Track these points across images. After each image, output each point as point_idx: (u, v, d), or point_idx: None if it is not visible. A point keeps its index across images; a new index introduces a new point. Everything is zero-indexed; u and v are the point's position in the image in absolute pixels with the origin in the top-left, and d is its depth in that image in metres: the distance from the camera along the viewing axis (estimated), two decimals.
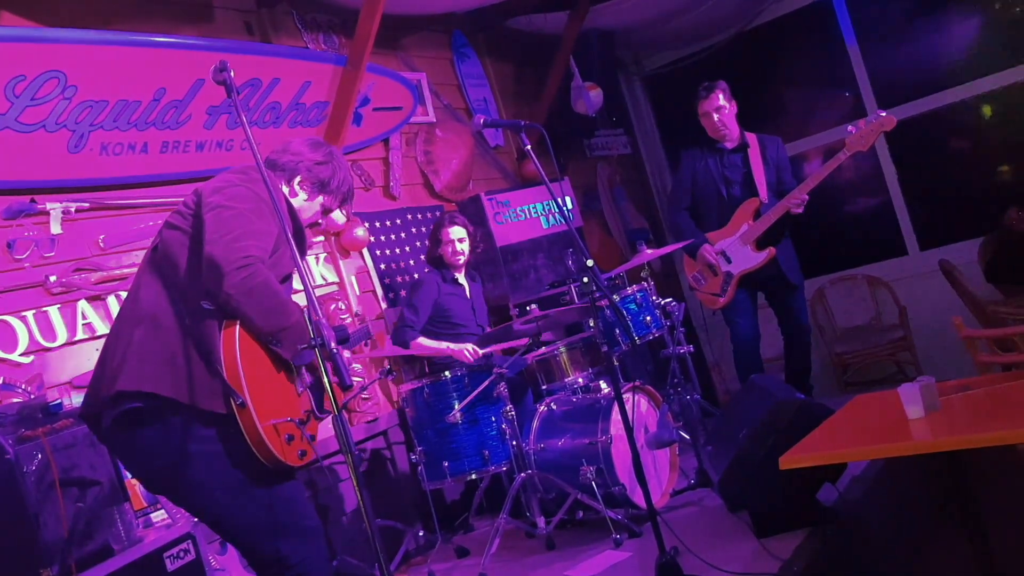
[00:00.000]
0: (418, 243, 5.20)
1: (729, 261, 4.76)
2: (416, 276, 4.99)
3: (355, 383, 3.77)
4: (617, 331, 4.31)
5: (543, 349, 4.32)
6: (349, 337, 2.26)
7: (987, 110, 6.14)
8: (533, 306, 4.15)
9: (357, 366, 4.66)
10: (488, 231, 5.24)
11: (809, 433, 2.77)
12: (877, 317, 6.34)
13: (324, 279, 4.72)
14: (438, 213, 5.01)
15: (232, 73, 2.26)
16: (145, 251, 2.50)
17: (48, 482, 2.73)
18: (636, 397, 4.06)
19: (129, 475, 2.96)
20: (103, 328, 3.65)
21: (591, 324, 3.36)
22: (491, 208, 5.28)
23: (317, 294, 4.44)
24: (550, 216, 5.62)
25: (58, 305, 3.60)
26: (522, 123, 3.30)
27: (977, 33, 6.04)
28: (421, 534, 4.39)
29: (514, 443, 3.99)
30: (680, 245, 4.77)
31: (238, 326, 2.25)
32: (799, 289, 4.88)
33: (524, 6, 5.83)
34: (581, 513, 3.97)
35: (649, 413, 4.14)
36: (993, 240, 5.39)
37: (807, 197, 4.52)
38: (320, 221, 2.79)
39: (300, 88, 4.48)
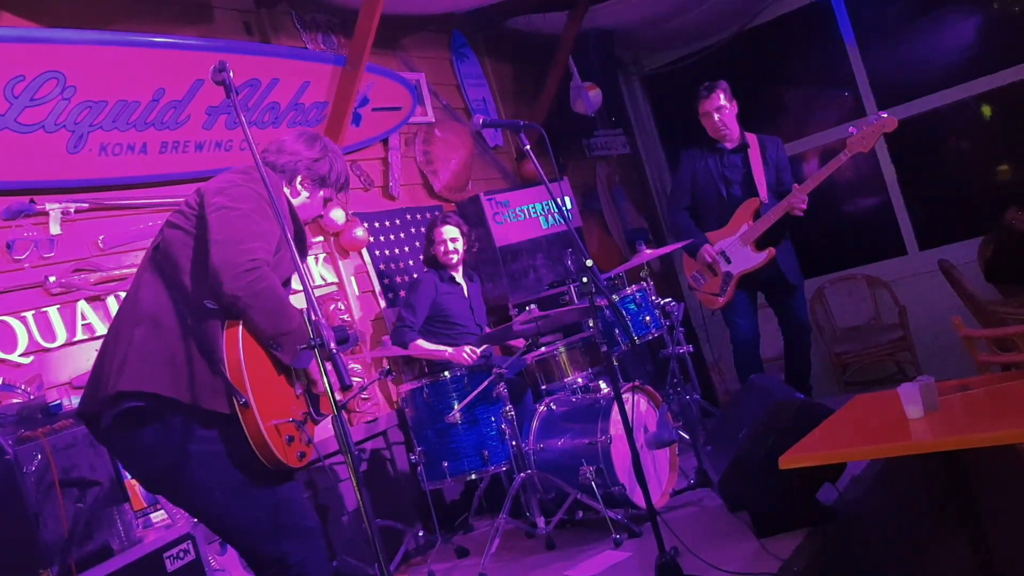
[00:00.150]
0: (417, 243, 5.20)
1: (729, 261, 4.76)
2: (415, 276, 5.00)
3: (354, 383, 3.77)
4: (616, 331, 4.31)
5: (543, 349, 4.32)
6: (349, 338, 2.26)
7: (986, 110, 6.14)
8: (532, 306, 4.15)
9: (356, 366, 4.66)
10: (487, 231, 5.24)
11: (809, 433, 2.77)
12: (877, 317, 6.34)
13: (323, 279, 4.72)
14: (437, 213, 5.01)
15: (231, 73, 2.26)
16: (145, 251, 2.50)
17: (48, 482, 2.73)
18: (636, 397, 4.06)
19: (128, 475, 2.95)
20: (102, 328, 3.65)
21: (590, 324, 3.36)
22: (490, 208, 5.28)
23: (316, 294, 4.44)
24: (549, 216, 5.62)
25: (57, 306, 3.60)
26: (521, 123, 3.30)
27: (976, 33, 6.04)
28: (421, 534, 4.39)
29: (514, 443, 3.99)
30: (680, 245, 4.77)
31: (241, 326, 2.25)
32: (799, 289, 4.88)
33: (523, 6, 5.83)
34: (581, 513, 3.97)
35: (649, 413, 4.14)
36: (992, 240, 5.39)
37: (807, 198, 4.52)
38: (323, 213, 2.80)
39: (299, 88, 4.48)
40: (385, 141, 5.24)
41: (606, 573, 3.42)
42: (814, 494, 3.28)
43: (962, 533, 2.84)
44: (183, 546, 2.91)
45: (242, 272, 2.19)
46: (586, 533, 3.94)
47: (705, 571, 3.08)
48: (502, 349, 4.79)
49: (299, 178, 2.64)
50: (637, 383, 4.10)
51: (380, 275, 5.02)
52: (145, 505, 3.32)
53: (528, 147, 3.20)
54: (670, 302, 4.46)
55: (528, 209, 5.52)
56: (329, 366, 2.10)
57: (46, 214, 3.63)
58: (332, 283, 4.76)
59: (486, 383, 4.04)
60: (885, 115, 4.42)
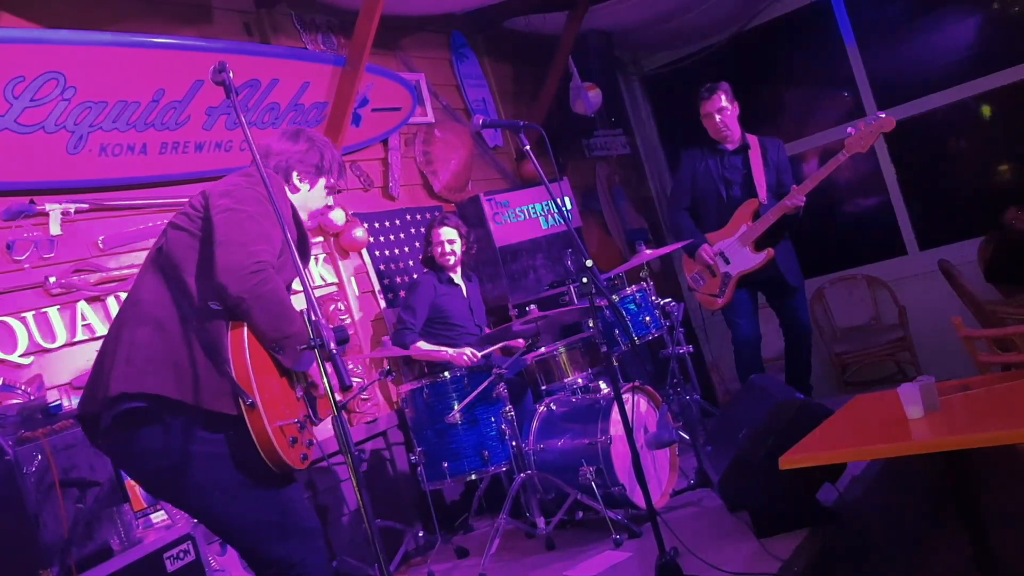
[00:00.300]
0: (417, 243, 5.20)
1: (728, 262, 4.76)
2: (414, 277, 5.00)
3: (354, 384, 3.77)
4: (616, 331, 4.32)
5: (542, 349, 4.32)
6: (348, 338, 2.26)
7: (986, 110, 6.14)
8: (532, 306, 4.15)
9: (356, 367, 4.67)
10: (487, 231, 5.24)
11: (809, 433, 2.77)
12: (876, 317, 6.34)
13: (323, 279, 4.72)
14: (437, 214, 5.02)
15: (231, 74, 2.27)
16: (147, 252, 2.49)
17: (48, 483, 2.73)
18: (635, 397, 4.07)
19: (127, 477, 2.95)
20: (103, 329, 3.65)
21: (590, 324, 3.36)
22: (490, 208, 5.28)
23: (316, 295, 4.44)
24: (549, 216, 5.62)
25: (57, 306, 3.60)
26: (521, 123, 3.30)
27: (975, 33, 6.04)
28: (421, 535, 4.38)
29: (514, 443, 3.99)
30: (679, 245, 4.77)
31: (246, 327, 2.26)
32: (799, 291, 4.87)
33: (523, 6, 5.84)
34: (581, 513, 3.97)
35: (649, 413, 4.14)
36: (992, 240, 5.39)
37: (805, 198, 4.52)
38: (331, 202, 2.81)
39: (299, 89, 4.48)
40: (385, 141, 5.25)
41: (606, 573, 3.42)
42: (814, 494, 3.29)
43: (962, 533, 2.84)
44: (183, 546, 2.91)
45: (247, 274, 2.20)
46: (586, 533, 3.94)
47: (705, 571, 3.08)
48: (502, 349, 4.79)
49: (294, 174, 2.65)
50: (637, 383, 4.10)
51: (380, 275, 5.02)
52: (145, 505, 3.32)
53: (528, 147, 3.20)
54: (670, 302, 4.46)
55: (528, 209, 5.53)
56: (329, 367, 2.10)
57: (46, 215, 3.63)
58: (332, 283, 4.76)
59: (486, 383, 4.05)
60: (883, 115, 4.42)
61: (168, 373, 2.22)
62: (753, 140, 4.81)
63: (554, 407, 4.21)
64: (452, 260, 4.57)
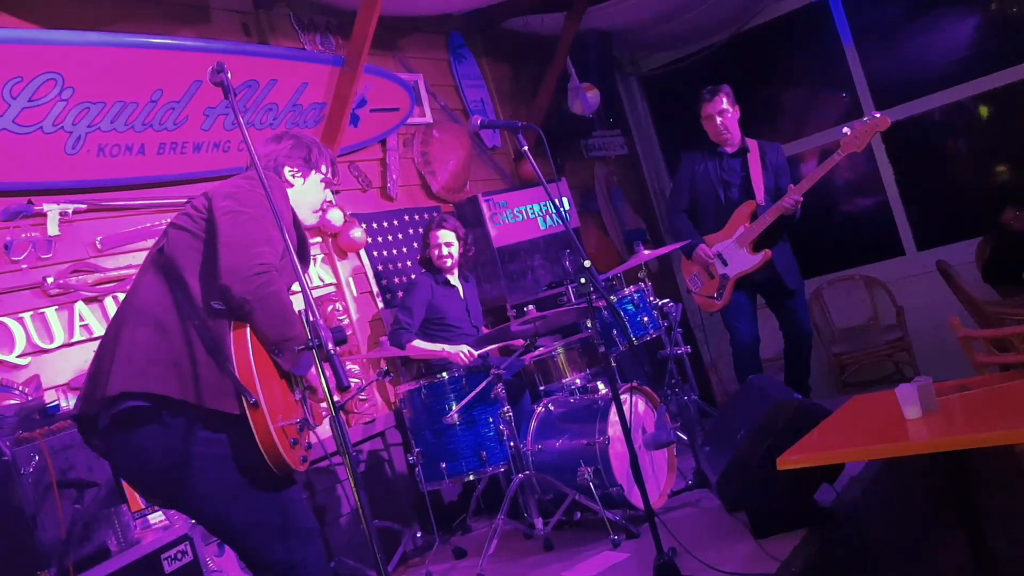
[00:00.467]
0: (415, 244, 5.20)
1: (725, 264, 4.76)
2: (412, 277, 5.00)
3: (352, 384, 3.76)
4: (615, 332, 4.31)
5: (541, 350, 4.32)
6: (346, 339, 2.26)
7: (984, 110, 6.15)
8: (531, 307, 4.15)
9: (354, 367, 4.66)
10: (485, 232, 5.24)
11: (807, 434, 2.77)
12: (874, 318, 6.35)
13: (321, 280, 4.72)
14: (435, 214, 5.01)
15: (229, 74, 2.27)
16: (147, 252, 2.49)
17: (46, 484, 2.73)
18: (634, 398, 4.07)
19: (123, 479, 2.94)
20: (100, 330, 3.65)
21: (588, 325, 3.36)
22: (488, 209, 5.29)
23: (314, 295, 4.44)
24: (547, 217, 5.62)
25: (55, 307, 3.60)
26: (519, 124, 3.30)
27: (973, 34, 6.05)
28: (419, 535, 4.38)
29: (512, 444, 3.99)
30: (677, 246, 4.77)
31: (248, 328, 2.26)
32: (799, 293, 4.86)
33: (521, 7, 5.84)
34: (579, 514, 3.97)
35: (647, 414, 4.15)
36: (990, 240, 5.41)
37: (802, 198, 4.52)
38: (332, 197, 2.81)
39: (297, 89, 4.48)
40: (383, 142, 5.25)
41: (604, 574, 3.42)
42: (812, 495, 3.29)
43: (960, 533, 2.84)
44: (181, 547, 2.91)
45: (251, 276, 2.20)
46: (584, 534, 3.94)
47: (703, 572, 3.08)
48: (500, 349, 4.79)
49: (285, 169, 2.66)
50: (635, 384, 4.10)
51: (378, 276, 5.02)
52: (143, 506, 3.31)
53: (526, 148, 3.20)
54: (668, 303, 4.46)
55: (526, 210, 5.53)
56: (327, 367, 2.09)
57: (44, 215, 3.63)
58: (330, 284, 4.76)
59: (484, 384, 4.04)
60: (878, 115, 4.42)
61: (170, 372, 2.22)
62: (752, 144, 4.81)
63: (552, 408, 4.21)
64: (449, 262, 4.57)
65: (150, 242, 2.54)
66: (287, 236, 2.20)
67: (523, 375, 4.54)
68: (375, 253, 5.03)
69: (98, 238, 3.81)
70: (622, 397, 3.93)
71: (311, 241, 4.65)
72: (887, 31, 6.23)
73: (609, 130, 6.97)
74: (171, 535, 2.92)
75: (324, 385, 2.13)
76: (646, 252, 4.46)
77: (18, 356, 3.44)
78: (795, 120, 6.78)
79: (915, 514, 3.60)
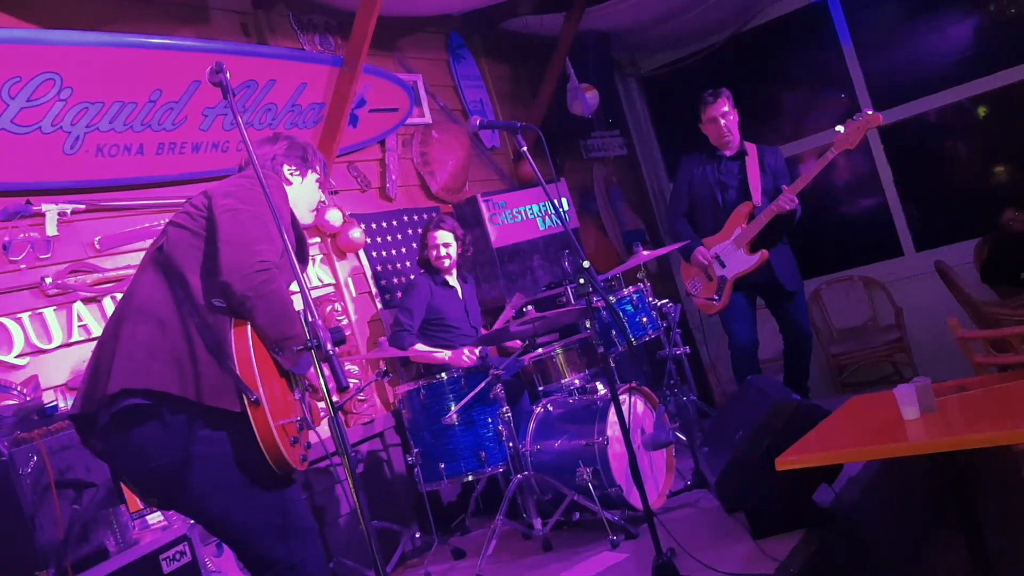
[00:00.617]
0: (414, 244, 5.20)
1: (723, 266, 4.76)
2: (411, 278, 5.00)
3: (351, 385, 3.77)
4: (613, 332, 4.31)
5: (540, 350, 4.32)
6: (345, 339, 2.26)
7: (982, 111, 6.15)
8: (530, 307, 4.15)
9: (353, 367, 4.66)
10: (485, 232, 5.24)
11: (805, 434, 2.77)
12: (873, 318, 6.35)
13: (320, 280, 4.72)
14: (434, 215, 5.01)
15: (228, 74, 2.27)
16: (145, 251, 2.49)
17: (44, 484, 2.73)
18: (632, 398, 4.07)
19: (123, 479, 2.93)
20: (99, 330, 3.63)
21: (587, 325, 3.36)
22: (487, 209, 5.28)
23: (313, 296, 4.43)
24: (546, 217, 5.62)
25: (54, 307, 3.60)
26: (518, 124, 3.30)
27: (972, 35, 6.06)
28: (417, 536, 4.38)
29: (510, 444, 3.99)
30: (676, 246, 4.77)
31: (249, 325, 2.26)
32: (798, 295, 4.85)
33: (520, 8, 5.84)
34: (578, 515, 3.97)
35: (645, 414, 4.14)
36: (989, 241, 5.41)
37: (797, 198, 4.52)
38: (325, 199, 2.83)
39: (296, 89, 4.48)
40: (382, 142, 5.24)
41: (603, 574, 3.42)
42: (810, 495, 3.29)
43: (959, 534, 2.84)
44: (179, 547, 2.91)
45: (252, 273, 2.21)
46: (583, 534, 3.94)
47: (702, 572, 3.08)
48: (499, 350, 4.79)
49: (284, 167, 2.71)
50: (634, 384, 4.10)
51: (377, 276, 5.02)
52: (141, 507, 3.31)
53: (525, 148, 3.19)
54: (667, 303, 4.46)
55: (525, 210, 5.53)
56: (326, 367, 2.09)
57: (42, 215, 3.63)
58: (329, 284, 4.76)
59: (483, 384, 4.04)
60: (871, 112, 4.42)
61: (170, 369, 2.21)
62: (751, 147, 4.81)
63: (551, 408, 4.21)
64: (448, 263, 4.58)
65: (149, 242, 2.53)
66: (285, 235, 2.20)
67: (522, 376, 4.54)
68: (374, 254, 5.03)
69: (97, 238, 3.81)
70: (621, 398, 3.93)
71: (310, 241, 4.66)
72: (886, 32, 6.23)
73: (608, 131, 6.97)
74: (169, 535, 2.92)
75: (323, 385, 2.13)
76: (645, 253, 4.46)
77: (16, 356, 3.44)
78: (794, 121, 6.78)
79: (914, 515, 3.59)
